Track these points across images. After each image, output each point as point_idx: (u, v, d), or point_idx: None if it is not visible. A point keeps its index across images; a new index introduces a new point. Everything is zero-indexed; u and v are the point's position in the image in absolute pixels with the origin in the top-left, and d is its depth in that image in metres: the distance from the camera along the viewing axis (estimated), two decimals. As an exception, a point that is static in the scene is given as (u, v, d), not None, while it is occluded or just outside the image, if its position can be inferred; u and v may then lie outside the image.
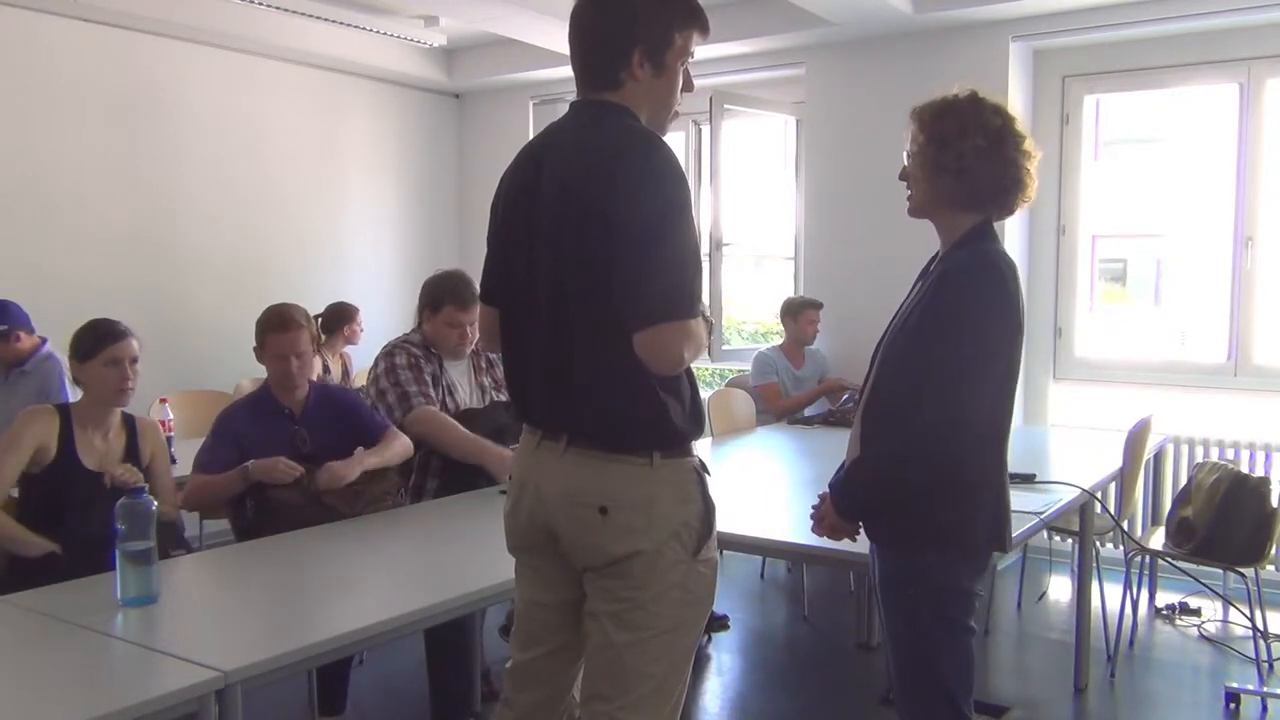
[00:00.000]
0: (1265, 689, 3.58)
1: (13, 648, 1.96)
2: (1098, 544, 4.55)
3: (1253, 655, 3.78)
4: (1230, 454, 4.73)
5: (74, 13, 4.86)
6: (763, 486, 3.65)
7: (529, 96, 6.56)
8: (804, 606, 4.56)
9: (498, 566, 2.22)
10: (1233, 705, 3.45)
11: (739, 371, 5.73)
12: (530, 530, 1.86)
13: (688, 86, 1.86)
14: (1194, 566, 3.82)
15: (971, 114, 1.99)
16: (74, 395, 2.92)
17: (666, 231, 1.66)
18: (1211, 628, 4.23)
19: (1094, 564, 3.82)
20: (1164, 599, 4.50)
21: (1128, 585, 3.99)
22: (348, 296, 5.61)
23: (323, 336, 5.05)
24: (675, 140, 6.13)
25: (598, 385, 1.74)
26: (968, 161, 1.96)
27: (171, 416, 3.91)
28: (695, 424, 1.80)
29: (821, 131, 5.51)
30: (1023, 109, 5.02)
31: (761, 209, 6.06)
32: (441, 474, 3.29)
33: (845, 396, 5.04)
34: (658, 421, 1.74)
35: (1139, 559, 4.16)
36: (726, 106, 5.35)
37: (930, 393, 1.89)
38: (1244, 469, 3.98)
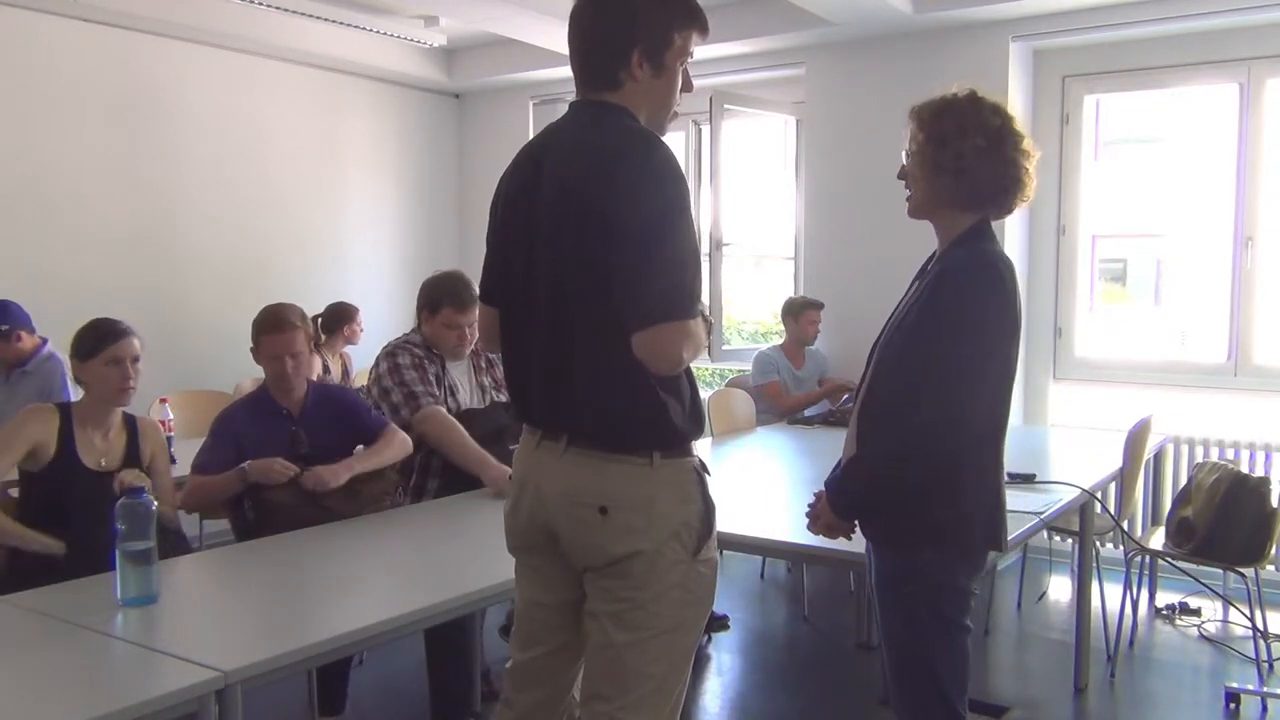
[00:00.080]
0: (1265, 689, 3.59)
1: (13, 648, 1.96)
2: (1098, 544, 4.55)
3: (1253, 655, 3.78)
4: (1230, 454, 4.73)
5: (74, 13, 4.86)
6: (763, 486, 3.65)
7: (529, 96, 6.56)
8: (804, 606, 4.56)
9: (498, 566, 2.22)
10: (1233, 705, 3.45)
11: (739, 371, 5.74)
12: (530, 530, 1.86)
13: (687, 87, 1.86)
14: (1194, 566, 3.82)
15: (971, 113, 1.99)
16: (76, 395, 2.92)
17: (666, 232, 1.66)
18: (1211, 628, 4.23)
19: (1094, 564, 3.82)
20: (1164, 599, 4.50)
21: (1128, 585, 3.99)
22: (348, 296, 5.61)
23: (323, 336, 5.06)
24: (675, 140, 6.14)
25: (597, 385, 1.74)
26: (967, 161, 1.97)
27: (171, 416, 3.91)
28: (695, 424, 1.80)
29: (821, 131, 5.51)
30: (1023, 109, 5.02)
31: (761, 209, 6.06)
32: (442, 474, 3.29)
33: (845, 397, 5.04)
34: (658, 421, 1.74)
35: (1139, 559, 4.16)
36: (726, 106, 5.35)
37: (927, 391, 1.89)
38: (1244, 469, 3.98)
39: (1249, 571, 3.60)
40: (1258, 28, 4.63)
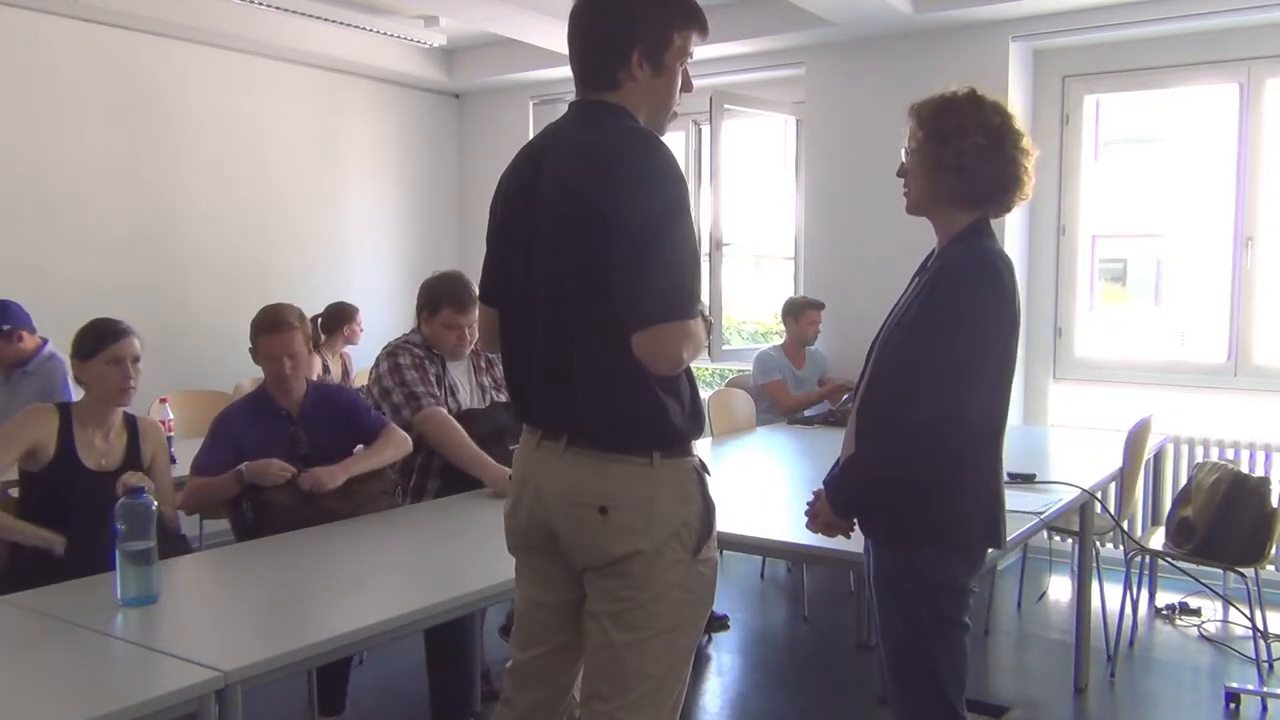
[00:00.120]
0: (1265, 689, 3.59)
1: (13, 648, 1.96)
2: (1098, 544, 4.55)
3: (1253, 655, 3.78)
4: (1230, 454, 4.73)
5: (74, 13, 4.86)
6: (763, 486, 3.65)
7: (529, 96, 6.56)
8: (804, 606, 4.56)
9: (498, 566, 2.22)
10: (1233, 705, 3.45)
11: (739, 371, 5.74)
12: (530, 530, 1.86)
13: (687, 87, 1.86)
14: (1194, 566, 3.82)
15: (971, 111, 1.99)
16: (77, 395, 2.92)
17: (665, 232, 1.66)
18: (1211, 628, 4.23)
19: (1094, 564, 3.82)
20: (1164, 599, 4.50)
21: (1128, 585, 3.99)
22: (348, 296, 5.61)
23: (322, 336, 5.06)
24: (675, 140, 6.15)
25: (597, 385, 1.74)
26: (967, 159, 1.97)
27: (171, 416, 3.91)
28: (695, 424, 1.80)
29: (821, 131, 5.51)
30: (1023, 109, 5.02)
31: (761, 209, 6.06)
32: (443, 475, 3.29)
33: (846, 396, 5.04)
34: (657, 421, 1.74)
35: (1139, 559, 4.16)
36: (726, 106, 5.35)
37: (925, 389, 1.90)
38: (1244, 469, 3.98)
39: (1249, 571, 3.60)
40: (1258, 28, 4.63)
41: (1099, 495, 3.60)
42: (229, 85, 5.59)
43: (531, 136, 2.03)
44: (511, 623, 2.01)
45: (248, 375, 4.67)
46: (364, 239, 6.38)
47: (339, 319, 5.32)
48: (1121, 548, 4.64)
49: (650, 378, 1.70)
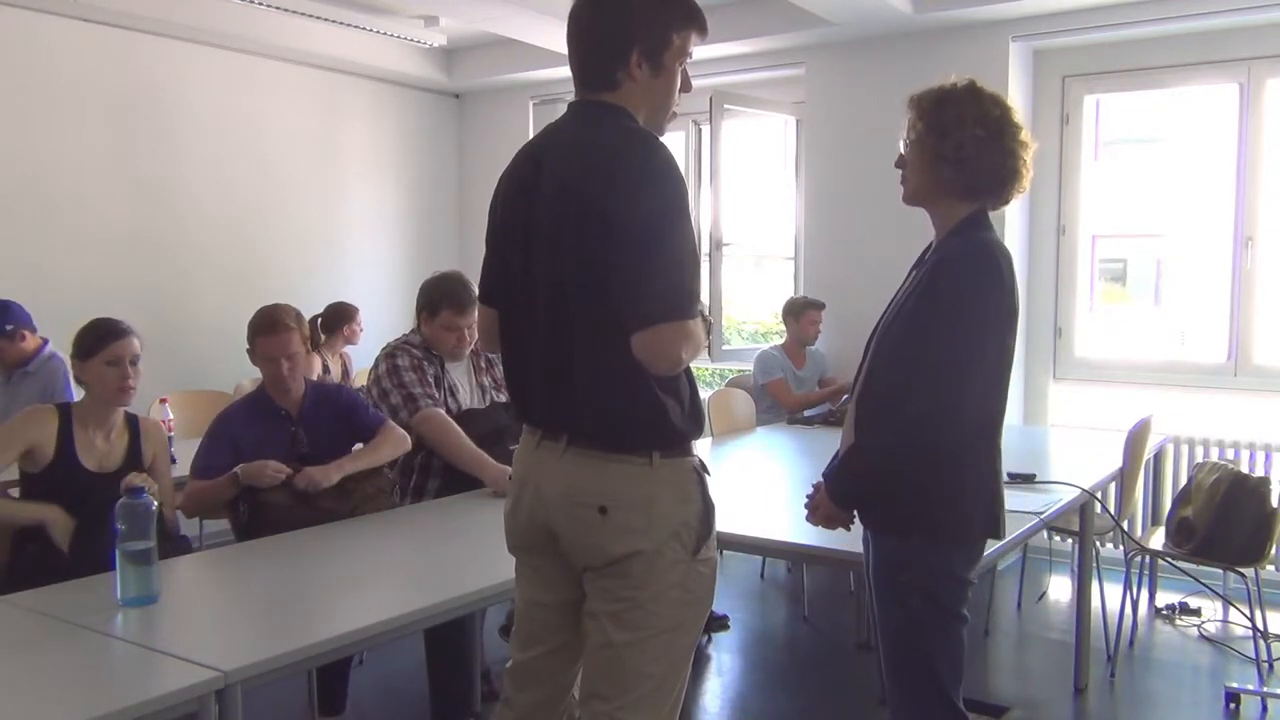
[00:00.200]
0: (1265, 689, 3.59)
1: (13, 648, 1.96)
2: (1098, 544, 4.55)
3: (1253, 655, 3.78)
4: (1230, 454, 4.72)
5: (74, 13, 4.86)
6: (763, 486, 3.65)
7: (529, 96, 6.56)
8: (804, 606, 4.56)
9: (498, 566, 2.22)
10: (1233, 705, 3.45)
11: (739, 371, 5.73)
12: (530, 530, 1.86)
13: (686, 87, 1.86)
14: (1194, 566, 3.82)
15: (971, 104, 2.00)
16: (78, 395, 2.92)
17: (665, 232, 1.66)
18: (1211, 628, 4.23)
19: (1094, 564, 3.82)
20: (1164, 599, 4.50)
21: (1128, 585, 3.99)
22: (347, 296, 5.61)
23: (322, 336, 5.06)
24: (675, 140, 6.15)
25: (597, 385, 1.74)
26: (967, 152, 1.97)
27: (171, 416, 3.91)
28: (695, 424, 1.80)
29: (821, 131, 5.51)
30: (1023, 109, 4.97)
31: (761, 209, 6.06)
32: (443, 475, 3.29)
33: (846, 396, 5.04)
34: (657, 421, 1.74)
35: (1139, 559, 4.16)
36: (726, 106, 5.35)
37: (924, 382, 1.90)
38: (1244, 469, 3.98)
39: (1249, 571, 3.60)
40: (1258, 28, 4.63)
41: (1099, 495, 3.60)
42: (229, 85, 5.59)
43: (531, 136, 2.03)
44: (511, 623, 2.01)
45: (248, 375, 4.67)
46: (364, 239, 6.38)
47: (339, 319, 5.32)
48: (1121, 548, 4.64)
49: (650, 378, 1.70)
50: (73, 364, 2.83)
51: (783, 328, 5.36)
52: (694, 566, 1.78)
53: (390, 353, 3.33)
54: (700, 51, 1.88)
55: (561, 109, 1.86)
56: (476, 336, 3.26)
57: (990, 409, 2.00)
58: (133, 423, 2.92)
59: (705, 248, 5.35)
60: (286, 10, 5.09)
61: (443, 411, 3.23)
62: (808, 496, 2.15)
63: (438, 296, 3.30)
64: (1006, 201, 2.08)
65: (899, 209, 2.13)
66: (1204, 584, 4.20)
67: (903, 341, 1.98)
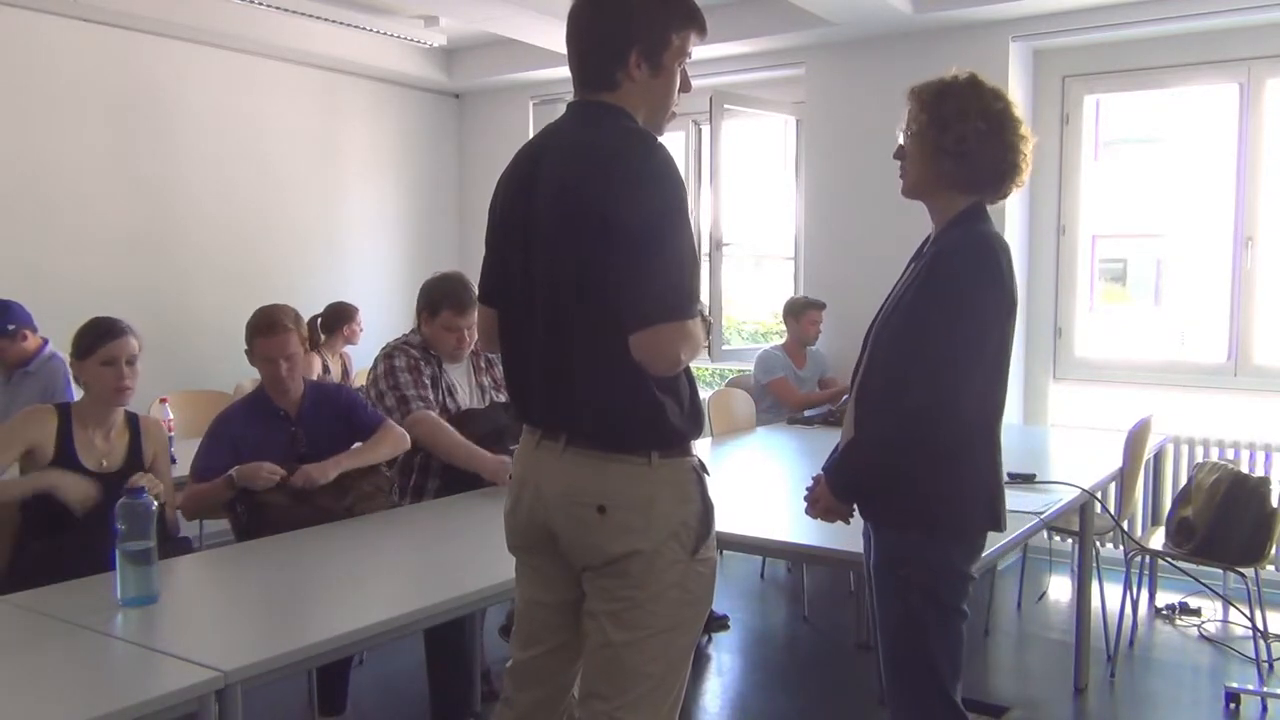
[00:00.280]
0: (1265, 689, 3.58)
1: (13, 648, 1.96)
2: (1098, 544, 4.55)
3: (1253, 655, 3.78)
4: (1230, 454, 4.72)
5: (74, 13, 4.86)
6: (763, 486, 3.65)
7: (529, 96, 6.56)
8: (804, 606, 4.56)
9: (498, 566, 2.22)
10: (1233, 705, 3.45)
11: (739, 371, 5.73)
12: (530, 529, 1.86)
13: (685, 87, 1.86)
14: (1194, 566, 3.82)
15: (972, 97, 2.00)
16: (79, 395, 2.92)
17: (665, 232, 1.66)
18: (1211, 628, 4.23)
19: (1094, 564, 3.82)
20: (1164, 599, 4.50)
21: (1128, 585, 3.99)
22: (347, 296, 5.61)
23: (322, 336, 5.06)
24: (675, 140, 6.15)
25: (596, 385, 1.74)
26: (969, 145, 1.97)
27: (171, 416, 3.91)
28: (694, 424, 1.80)
29: (821, 131, 5.51)
30: (1023, 109, 5.01)
31: (761, 209, 6.06)
32: (442, 474, 3.29)
33: (845, 397, 5.03)
34: (656, 421, 1.74)
35: (1139, 559, 4.16)
36: (726, 106, 5.35)
37: (923, 375, 1.90)
38: (1244, 469, 3.98)
39: (1249, 571, 3.60)
40: (1258, 28, 4.63)
41: (1099, 495, 3.60)
42: (229, 85, 5.59)
43: (531, 136, 2.03)
44: (511, 623, 2.01)
45: (248, 375, 4.66)
46: (364, 239, 6.38)
47: (339, 319, 5.32)
48: (1121, 548, 4.64)
49: (649, 378, 1.70)
50: (71, 363, 2.83)
51: (783, 328, 5.36)
52: (693, 566, 1.78)
53: (388, 353, 3.33)
54: (700, 51, 1.88)
55: (561, 109, 1.86)
56: (476, 337, 3.27)
57: (990, 403, 2.00)
58: (133, 422, 2.92)
59: (705, 248, 5.35)
60: (286, 10, 5.09)
61: (434, 413, 3.23)
62: (807, 489, 2.16)
63: (438, 297, 3.30)
64: (1005, 195, 2.08)
65: (899, 209, 2.13)
66: (1204, 584, 4.20)
67: (901, 335, 1.98)
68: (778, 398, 5.06)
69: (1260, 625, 3.76)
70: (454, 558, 2.64)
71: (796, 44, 5.43)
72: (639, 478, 1.74)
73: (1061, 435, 4.71)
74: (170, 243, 5.37)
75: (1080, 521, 3.61)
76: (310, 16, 5.22)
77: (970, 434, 1.98)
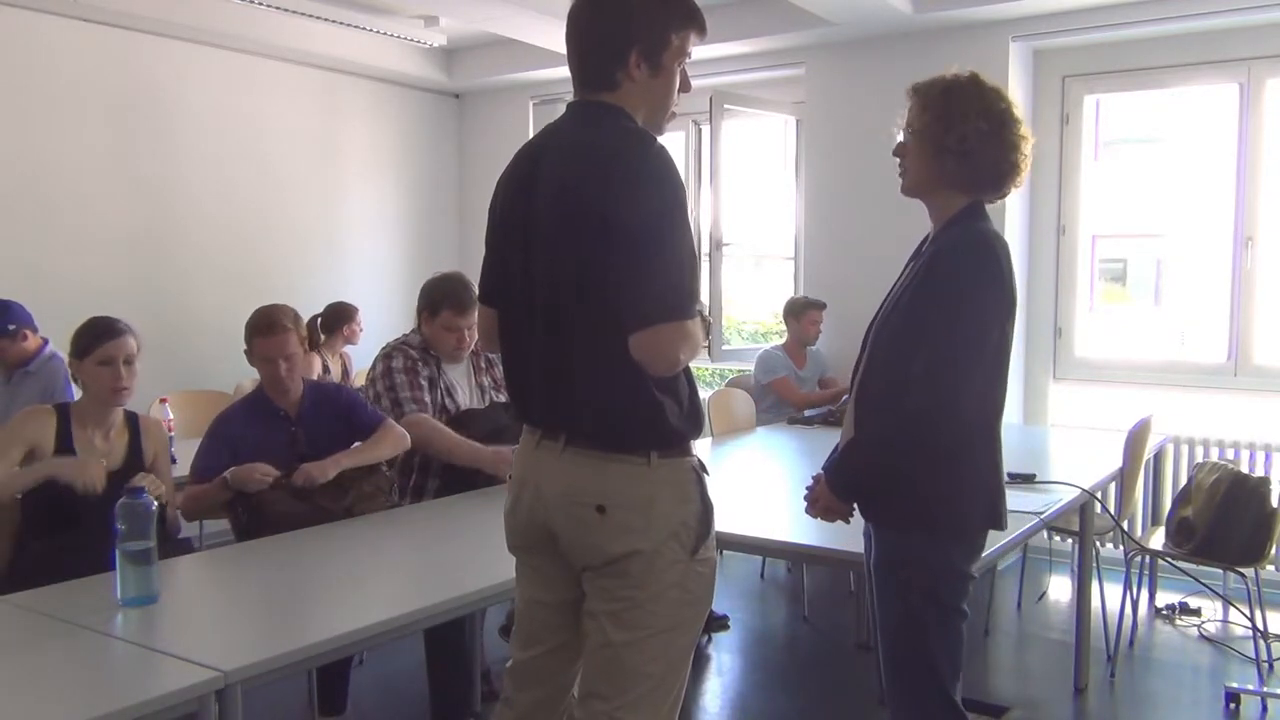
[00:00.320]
0: (1265, 689, 3.58)
1: (13, 648, 1.96)
2: (1098, 544, 4.55)
3: (1253, 655, 3.78)
4: (1230, 454, 4.72)
5: (74, 13, 4.86)
6: (763, 486, 3.65)
7: (529, 96, 6.56)
8: (804, 606, 4.56)
9: (498, 566, 2.22)
10: (1233, 705, 3.45)
11: (739, 371, 5.73)
12: (530, 529, 1.86)
13: (685, 87, 1.86)
14: (1194, 566, 3.82)
15: (975, 96, 2.00)
16: (79, 395, 2.92)
17: (664, 232, 1.66)
18: (1211, 628, 4.23)
19: (1094, 564, 3.82)
20: (1164, 599, 4.50)
21: (1128, 585, 3.99)
22: (347, 296, 5.61)
23: (322, 336, 5.06)
24: (675, 140, 6.15)
25: (596, 385, 1.74)
26: (971, 144, 1.97)
27: (171, 416, 3.91)
28: (693, 424, 1.80)
29: (821, 131, 5.51)
30: (1023, 109, 5.01)
31: (761, 209, 6.06)
32: (442, 474, 3.29)
33: (845, 397, 5.03)
34: (655, 421, 1.74)
35: (1139, 559, 4.16)
36: (726, 106, 5.35)
37: (923, 375, 1.90)
38: (1244, 469, 3.98)
39: (1249, 571, 3.60)
40: (1258, 28, 4.63)
41: (1099, 495, 3.60)
42: (229, 85, 5.59)
43: (531, 136, 2.03)
44: (511, 623, 2.01)
45: (248, 375, 4.66)
46: (364, 239, 6.38)
47: (338, 319, 5.32)
48: (1121, 548, 4.64)
49: (648, 378, 1.70)
50: (70, 363, 2.83)
51: (783, 328, 5.36)
52: (693, 566, 1.78)
53: (387, 354, 3.33)
54: (700, 51, 1.88)
55: (561, 109, 1.86)
56: (476, 337, 3.27)
57: (990, 403, 2.00)
58: (133, 421, 2.92)
59: (705, 248, 5.35)
60: (286, 10, 5.09)
61: (427, 415, 3.23)
62: (807, 488, 2.15)
63: (439, 297, 3.30)
64: (1004, 195, 2.08)
65: (899, 208, 2.13)
66: (1204, 584, 4.20)
67: (901, 334, 1.98)
68: (780, 397, 5.06)
69: (1260, 625, 3.76)
70: (454, 558, 2.64)
71: (796, 44, 5.43)
72: (639, 478, 1.74)
73: (1061, 435, 4.71)
74: (170, 243, 5.37)
75: (1080, 521, 3.61)
76: (310, 16, 5.22)
77: (970, 434, 1.98)
